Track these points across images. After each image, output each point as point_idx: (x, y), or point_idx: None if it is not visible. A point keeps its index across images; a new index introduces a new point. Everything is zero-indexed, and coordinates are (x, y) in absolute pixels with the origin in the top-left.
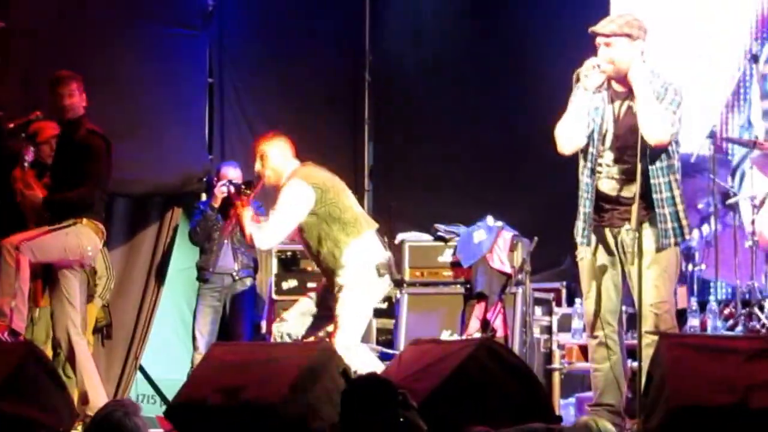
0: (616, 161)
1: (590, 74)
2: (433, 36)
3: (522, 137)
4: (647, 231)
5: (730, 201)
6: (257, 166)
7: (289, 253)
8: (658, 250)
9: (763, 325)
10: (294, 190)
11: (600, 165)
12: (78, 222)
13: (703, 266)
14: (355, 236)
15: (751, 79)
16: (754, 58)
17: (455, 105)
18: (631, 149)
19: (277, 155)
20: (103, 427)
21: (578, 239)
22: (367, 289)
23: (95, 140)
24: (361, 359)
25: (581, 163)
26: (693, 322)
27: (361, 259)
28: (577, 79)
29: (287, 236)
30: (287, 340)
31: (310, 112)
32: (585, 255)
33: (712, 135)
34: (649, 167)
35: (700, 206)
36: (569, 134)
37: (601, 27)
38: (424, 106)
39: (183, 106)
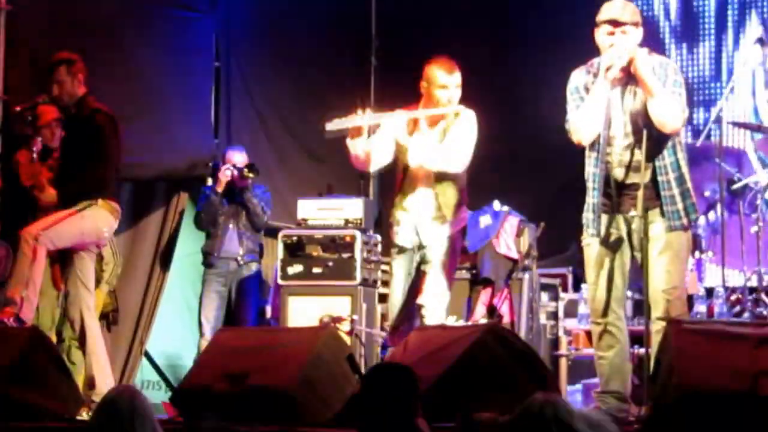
0: (622, 148)
1: (614, 67)
2: (440, 18)
3: (530, 122)
4: (657, 216)
5: (735, 186)
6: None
7: (294, 238)
8: (669, 231)
9: None
10: (473, 122)
11: (608, 153)
12: (93, 204)
13: (711, 253)
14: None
15: (763, 64)
16: (761, 42)
17: (462, 90)
18: (637, 135)
19: (454, 86)
20: (110, 411)
21: (588, 230)
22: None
23: (100, 118)
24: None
25: (587, 152)
26: (700, 308)
27: None
28: (605, 72)
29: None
30: None
31: (316, 96)
32: (591, 241)
33: (717, 120)
34: (655, 151)
35: (706, 194)
36: (589, 126)
37: (621, 15)
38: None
39: (189, 89)
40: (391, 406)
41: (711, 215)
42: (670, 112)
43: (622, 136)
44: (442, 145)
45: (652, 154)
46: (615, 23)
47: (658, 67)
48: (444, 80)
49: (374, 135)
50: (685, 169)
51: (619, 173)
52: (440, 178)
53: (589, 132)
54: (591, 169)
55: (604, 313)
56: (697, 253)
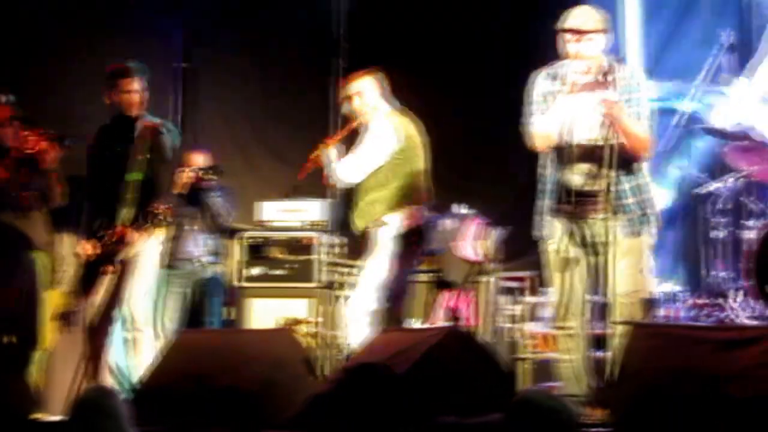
0: (583, 155)
1: (580, 77)
2: (408, 20)
3: (493, 126)
4: (617, 221)
5: (699, 190)
6: (348, 106)
7: (255, 240)
8: (629, 239)
9: (731, 316)
10: (386, 130)
11: (567, 158)
12: None
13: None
14: (406, 203)
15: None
16: (731, 48)
17: (428, 93)
18: (596, 141)
19: (371, 93)
20: (83, 411)
21: (536, 233)
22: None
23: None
24: (363, 333)
25: (542, 156)
26: (662, 311)
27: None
28: (572, 87)
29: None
30: None
31: (283, 97)
32: (550, 247)
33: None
34: (616, 160)
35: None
36: (549, 136)
37: (585, 23)
38: (396, 94)
39: (154, 90)
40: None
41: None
42: (643, 145)
43: (581, 143)
44: (344, 160)
45: (614, 163)
46: (578, 32)
47: (627, 78)
48: (345, 94)
49: None
50: (647, 179)
51: (578, 180)
52: (368, 189)
53: (548, 141)
54: (545, 172)
55: (566, 317)
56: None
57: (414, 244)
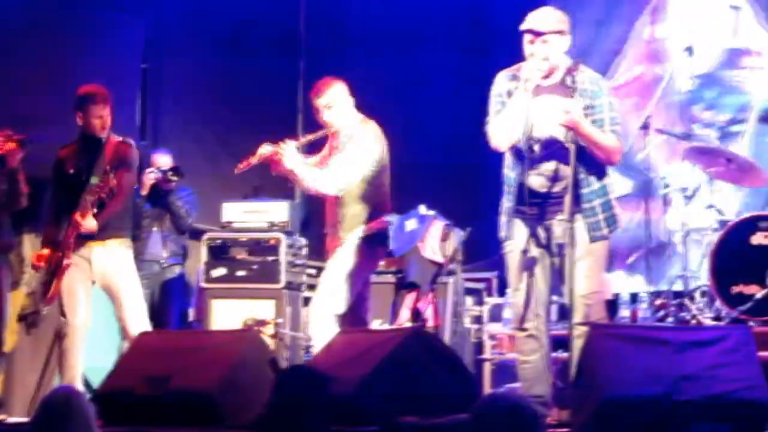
0: (544, 157)
1: (533, 77)
2: (370, 20)
3: (456, 128)
4: (579, 223)
5: (663, 192)
6: (321, 117)
7: (218, 241)
8: (591, 241)
9: (693, 316)
10: (368, 137)
11: (528, 160)
12: None
13: (632, 258)
14: (384, 211)
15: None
16: (689, 51)
17: (389, 96)
18: (558, 144)
19: (340, 102)
20: (47, 412)
21: (501, 234)
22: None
23: None
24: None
25: (507, 157)
26: (624, 312)
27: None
28: (524, 83)
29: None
30: None
31: (245, 97)
32: (512, 248)
33: (645, 126)
34: (578, 162)
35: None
36: (506, 133)
37: (540, 24)
38: (358, 96)
39: (116, 90)
40: (301, 411)
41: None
42: (612, 154)
43: (544, 145)
44: (322, 169)
45: (575, 166)
46: (534, 33)
47: (588, 83)
48: (315, 105)
49: None
50: (607, 180)
51: (538, 181)
52: (352, 199)
53: (506, 139)
54: (509, 174)
55: (527, 318)
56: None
57: (377, 246)
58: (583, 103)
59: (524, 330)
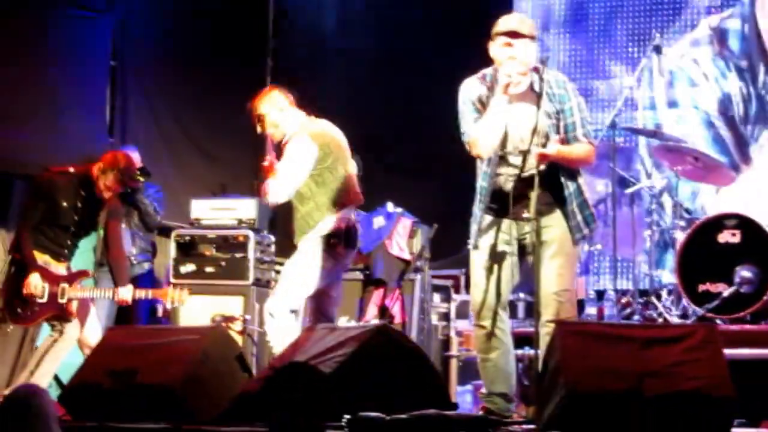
0: (518, 163)
1: (514, 79)
2: (338, 18)
3: (423, 125)
4: (555, 222)
5: (630, 190)
6: (258, 129)
7: (187, 238)
8: (574, 244)
9: (660, 314)
10: (298, 145)
11: (501, 167)
12: None
13: (599, 246)
14: (337, 207)
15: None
16: (657, 49)
17: (358, 95)
18: (529, 148)
19: (273, 111)
20: (8, 411)
21: (471, 242)
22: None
23: None
24: (282, 331)
25: (479, 164)
26: (590, 310)
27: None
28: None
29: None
30: None
31: (212, 97)
32: (478, 245)
33: (613, 124)
34: (550, 166)
35: (598, 188)
36: (490, 141)
37: (521, 27)
38: (327, 95)
39: (84, 88)
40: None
41: (601, 207)
42: (586, 160)
43: (517, 151)
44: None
45: (550, 170)
46: (514, 34)
47: (555, 87)
48: (253, 118)
49: None
50: (581, 180)
51: (509, 183)
52: (300, 202)
53: (490, 147)
54: (480, 182)
55: (488, 316)
56: (586, 246)
57: (337, 245)
58: (551, 108)
59: (482, 327)
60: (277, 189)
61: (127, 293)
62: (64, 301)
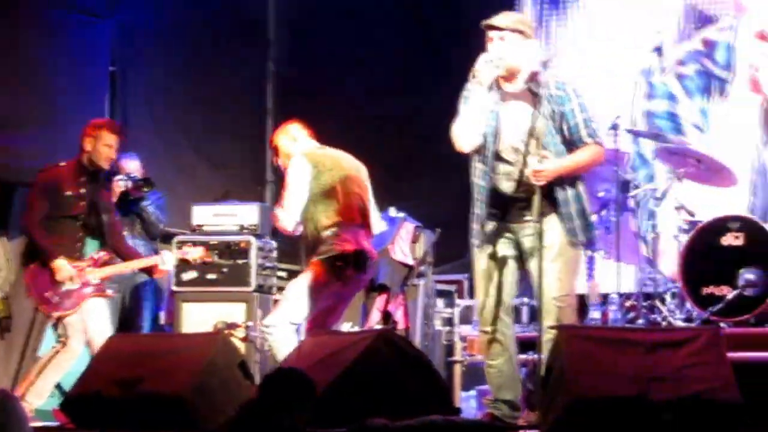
0: (513, 162)
1: (483, 69)
2: (340, 25)
3: (426, 129)
4: (552, 225)
5: (633, 193)
6: (273, 160)
7: (189, 245)
8: (566, 245)
9: (665, 318)
10: (293, 167)
11: (497, 166)
12: None
13: (602, 252)
14: (339, 228)
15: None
16: (658, 51)
17: (360, 98)
18: (527, 150)
19: (287, 142)
20: None
21: (474, 241)
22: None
23: None
24: (283, 341)
25: (474, 164)
26: (594, 314)
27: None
28: (473, 76)
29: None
30: None
31: (214, 102)
32: (479, 250)
33: (614, 126)
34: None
35: (600, 194)
36: (467, 133)
37: (495, 20)
38: (328, 99)
39: (84, 94)
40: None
41: (603, 213)
42: (593, 164)
43: (513, 151)
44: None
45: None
46: (491, 28)
47: (554, 88)
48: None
49: None
50: (581, 187)
51: (507, 186)
52: (309, 228)
53: (468, 140)
54: (477, 180)
55: (492, 321)
56: (588, 252)
57: (344, 269)
58: (549, 109)
59: (486, 333)
60: (283, 216)
61: (170, 257)
62: (98, 280)
